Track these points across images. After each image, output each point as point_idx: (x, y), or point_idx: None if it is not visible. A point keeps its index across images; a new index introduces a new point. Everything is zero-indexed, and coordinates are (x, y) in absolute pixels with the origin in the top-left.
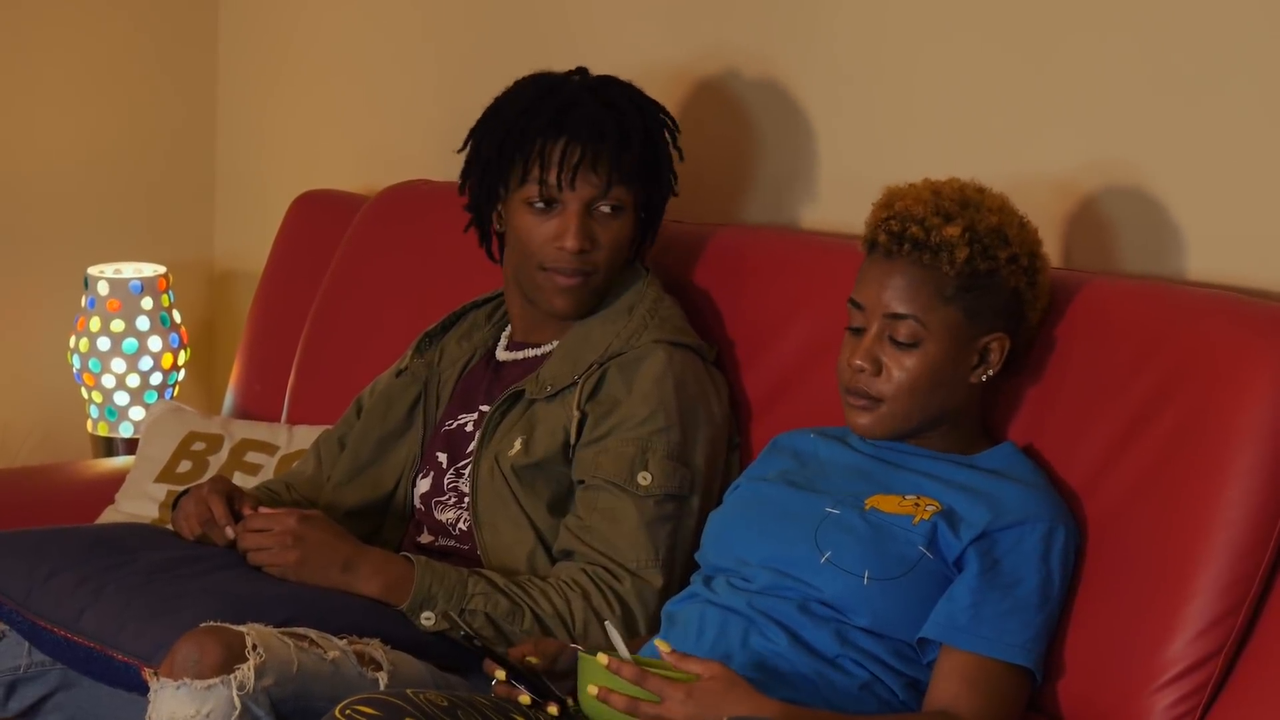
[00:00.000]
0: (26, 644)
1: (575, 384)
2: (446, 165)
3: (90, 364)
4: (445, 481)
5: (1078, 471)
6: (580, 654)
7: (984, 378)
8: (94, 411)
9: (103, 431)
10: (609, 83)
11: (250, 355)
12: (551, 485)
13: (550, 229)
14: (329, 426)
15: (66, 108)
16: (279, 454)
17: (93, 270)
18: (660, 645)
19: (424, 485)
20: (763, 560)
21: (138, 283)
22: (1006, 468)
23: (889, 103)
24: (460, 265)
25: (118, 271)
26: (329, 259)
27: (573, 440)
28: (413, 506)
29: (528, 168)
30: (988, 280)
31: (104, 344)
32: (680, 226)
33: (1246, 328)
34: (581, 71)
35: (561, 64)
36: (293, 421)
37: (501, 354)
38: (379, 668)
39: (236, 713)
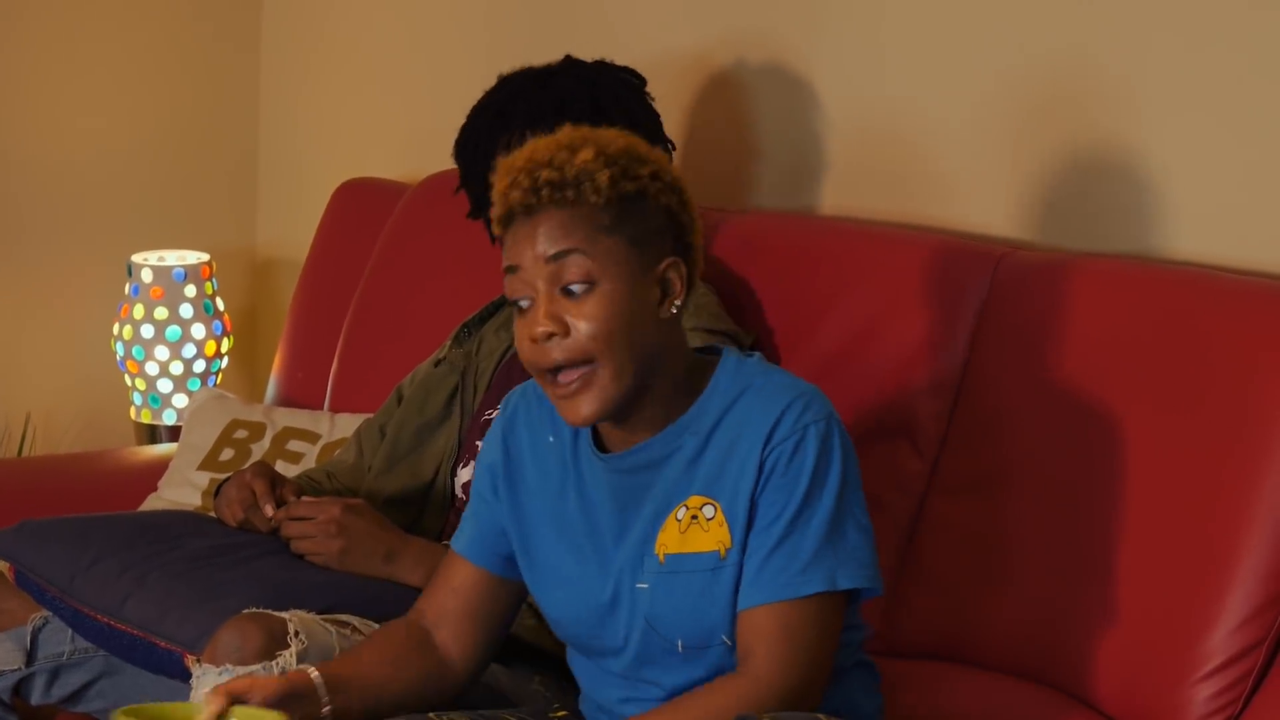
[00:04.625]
0: (70, 631)
1: None
2: None
3: (134, 351)
4: None
5: (1117, 460)
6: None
7: (673, 309)
8: (137, 399)
9: (146, 419)
10: (569, 67)
11: (293, 343)
12: None
13: None
14: (371, 415)
15: (110, 96)
16: (321, 442)
17: (136, 258)
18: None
19: (465, 474)
20: (623, 666)
21: (181, 270)
22: (732, 392)
23: (901, 88)
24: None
25: (161, 259)
26: (371, 247)
27: None
28: (453, 495)
29: (485, 168)
30: (639, 202)
31: (147, 331)
32: (719, 214)
33: None
34: (547, 66)
35: (600, 53)
36: (335, 409)
37: None
38: None
39: None
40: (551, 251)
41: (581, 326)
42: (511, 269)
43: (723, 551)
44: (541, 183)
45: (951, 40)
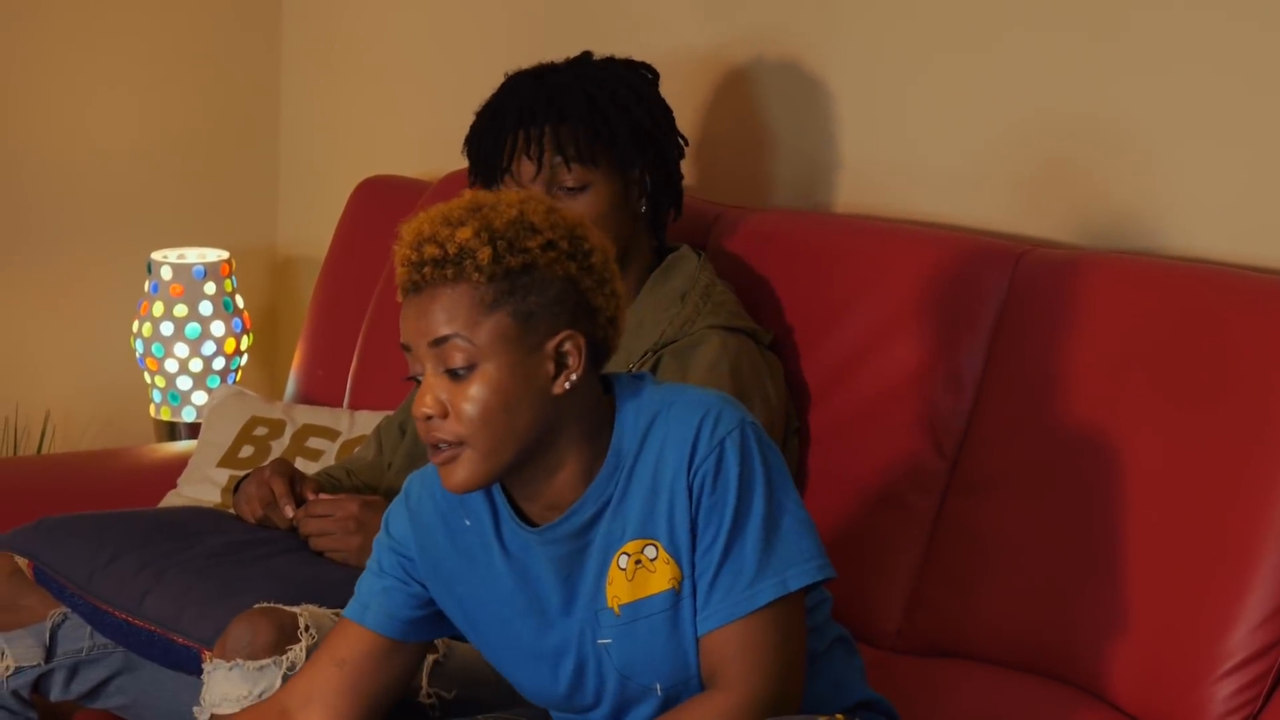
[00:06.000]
0: (89, 627)
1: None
2: None
3: (153, 349)
4: None
5: (1137, 458)
6: None
7: (568, 384)
8: (157, 396)
9: (165, 416)
10: (573, 64)
11: (312, 340)
12: None
13: None
14: (390, 412)
15: (131, 94)
16: (341, 439)
17: (156, 255)
18: None
19: None
20: (604, 715)
21: (201, 268)
22: (640, 426)
23: (920, 86)
24: None
25: (181, 257)
26: (391, 245)
27: None
28: None
29: (489, 168)
30: (527, 275)
31: (167, 329)
32: (736, 211)
33: None
34: (551, 64)
35: (618, 49)
36: (354, 407)
37: None
38: (434, 650)
39: None
40: (433, 337)
41: (460, 409)
42: (404, 347)
43: (677, 586)
44: (426, 259)
45: (968, 39)
